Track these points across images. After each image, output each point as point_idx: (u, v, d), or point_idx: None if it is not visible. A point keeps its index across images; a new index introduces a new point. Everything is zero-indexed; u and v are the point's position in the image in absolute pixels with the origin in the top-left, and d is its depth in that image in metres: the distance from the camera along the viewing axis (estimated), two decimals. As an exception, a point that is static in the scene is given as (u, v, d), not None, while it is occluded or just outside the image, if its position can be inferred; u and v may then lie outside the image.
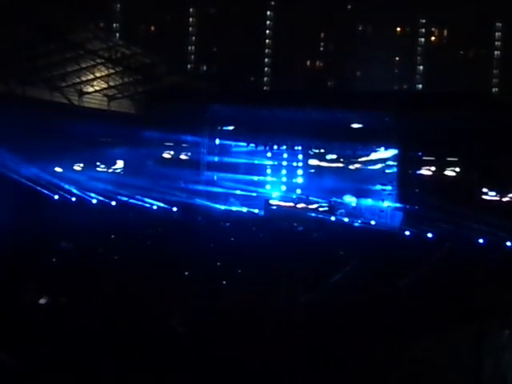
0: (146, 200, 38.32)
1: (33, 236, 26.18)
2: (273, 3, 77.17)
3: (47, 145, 37.00)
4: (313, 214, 37.76)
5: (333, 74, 75.84)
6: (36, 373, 12.11)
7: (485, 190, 37.03)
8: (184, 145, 43.05)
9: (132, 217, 34.13)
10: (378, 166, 38.31)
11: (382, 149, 38.21)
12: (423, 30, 76.53)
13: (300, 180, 40.90)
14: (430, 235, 32.78)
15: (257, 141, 40.75)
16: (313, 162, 40.45)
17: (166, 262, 22.52)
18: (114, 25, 77.89)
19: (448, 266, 23.95)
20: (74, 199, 39.00)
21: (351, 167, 39.12)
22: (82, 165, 42.13)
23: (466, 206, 33.41)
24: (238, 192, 40.85)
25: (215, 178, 41.62)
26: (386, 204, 37.38)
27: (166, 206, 37.99)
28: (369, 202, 38.23)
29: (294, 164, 40.99)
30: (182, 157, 43.44)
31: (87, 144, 40.83)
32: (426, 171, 38.31)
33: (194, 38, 78.62)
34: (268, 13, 77.58)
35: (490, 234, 31.54)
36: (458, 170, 37.79)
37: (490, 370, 14.35)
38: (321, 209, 38.20)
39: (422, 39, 76.63)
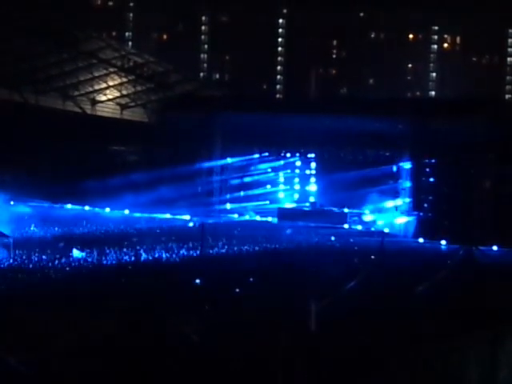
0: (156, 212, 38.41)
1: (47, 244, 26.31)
2: (285, 11, 77.25)
3: (58, 153, 37.20)
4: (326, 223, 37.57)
5: (345, 81, 75.83)
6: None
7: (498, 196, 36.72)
8: (197, 153, 42.79)
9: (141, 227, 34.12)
10: (391, 172, 38.07)
11: (395, 155, 37.95)
12: (436, 37, 76.44)
13: (313, 188, 40.69)
14: (443, 242, 32.72)
15: (269, 149, 40.74)
16: (325, 169, 40.23)
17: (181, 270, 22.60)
18: (127, 33, 78.17)
19: (463, 273, 23.86)
20: (86, 208, 39.18)
21: (364, 174, 38.84)
22: (94, 173, 42.05)
23: (482, 213, 33.32)
24: (251, 204, 40.79)
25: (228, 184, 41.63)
26: (400, 212, 37.10)
27: (170, 215, 38.22)
28: (382, 209, 37.98)
29: (307, 172, 40.81)
30: (194, 165, 43.18)
31: (100, 152, 40.98)
32: (439, 178, 37.98)
33: (206, 46, 78.78)
34: (280, 21, 77.67)
35: (502, 241, 31.46)
36: (471, 176, 37.44)
37: (505, 373, 14.27)
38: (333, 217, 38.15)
39: (435, 46, 76.52)
